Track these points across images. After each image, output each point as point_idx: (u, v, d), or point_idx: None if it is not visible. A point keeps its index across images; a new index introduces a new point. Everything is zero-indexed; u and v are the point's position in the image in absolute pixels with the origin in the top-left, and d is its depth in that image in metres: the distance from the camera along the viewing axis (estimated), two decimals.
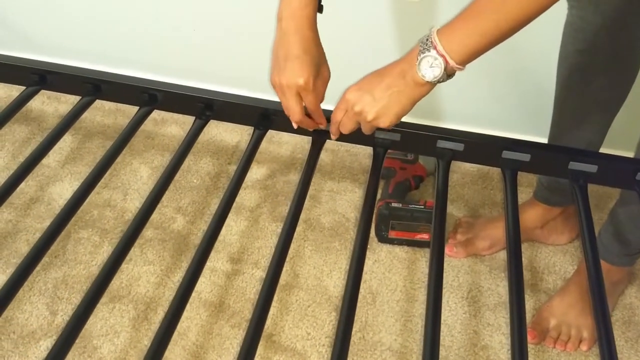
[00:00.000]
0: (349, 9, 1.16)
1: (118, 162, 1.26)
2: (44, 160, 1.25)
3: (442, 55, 0.66)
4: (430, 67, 0.68)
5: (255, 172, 1.26)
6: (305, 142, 1.35)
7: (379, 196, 1.20)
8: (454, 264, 1.09)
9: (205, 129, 1.39)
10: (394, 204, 1.08)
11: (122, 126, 1.36)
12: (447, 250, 1.09)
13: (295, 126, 0.82)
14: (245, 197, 1.21)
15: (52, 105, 1.39)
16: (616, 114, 0.95)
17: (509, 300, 0.69)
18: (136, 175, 1.24)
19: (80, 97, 0.90)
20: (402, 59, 0.72)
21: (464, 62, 0.67)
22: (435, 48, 0.67)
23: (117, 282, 1.03)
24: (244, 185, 1.24)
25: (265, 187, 1.23)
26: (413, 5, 1.15)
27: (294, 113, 0.77)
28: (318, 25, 0.75)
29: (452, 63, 0.67)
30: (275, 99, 0.87)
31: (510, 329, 0.65)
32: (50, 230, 0.73)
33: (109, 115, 1.38)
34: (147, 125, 1.35)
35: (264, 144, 1.33)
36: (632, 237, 0.94)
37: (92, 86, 0.90)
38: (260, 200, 1.20)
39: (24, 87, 0.92)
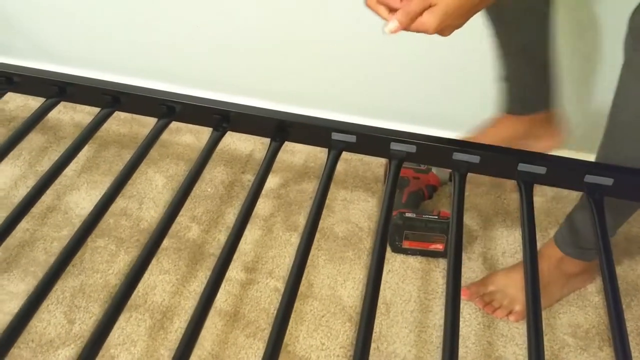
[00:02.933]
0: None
1: (134, 172, 1.27)
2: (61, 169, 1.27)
3: None
4: None
5: (269, 181, 1.27)
6: (317, 151, 1.36)
7: None
8: (468, 275, 1.09)
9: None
10: (408, 214, 1.09)
11: (137, 135, 1.38)
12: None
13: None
14: (259, 206, 1.21)
15: (67, 114, 1.41)
16: None
17: (526, 310, 0.69)
18: (151, 184, 1.25)
19: (100, 109, 0.91)
20: None
21: None
22: None
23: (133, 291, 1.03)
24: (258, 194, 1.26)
25: (279, 196, 1.24)
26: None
27: None
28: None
29: None
30: (292, 109, 0.88)
31: (527, 340, 0.66)
32: (72, 242, 0.74)
33: (124, 124, 1.39)
34: (163, 134, 1.36)
35: (278, 153, 1.35)
36: (592, 237, 0.94)
37: (111, 98, 0.92)
38: (273, 209, 1.21)
39: (42, 98, 0.94)
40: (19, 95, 1.39)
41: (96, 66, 1.37)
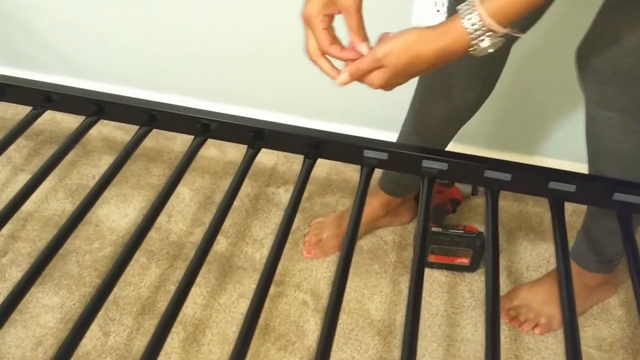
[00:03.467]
0: None
1: (161, 185, 1.29)
2: (90, 182, 1.29)
3: (487, 25, 0.61)
4: (480, 41, 0.63)
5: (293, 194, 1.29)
6: (339, 164, 1.38)
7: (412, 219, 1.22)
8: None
9: (242, 150, 1.44)
10: (434, 228, 1.10)
11: (163, 148, 1.40)
12: (305, 253, 1.16)
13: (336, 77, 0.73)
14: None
15: (95, 128, 1.43)
16: None
17: (563, 323, 0.70)
18: (178, 197, 1.27)
19: (138, 127, 0.93)
20: (440, 36, 0.64)
21: (509, 25, 0.62)
22: (479, 15, 0.61)
23: (166, 303, 1.05)
24: (283, 207, 1.28)
25: (303, 209, 1.26)
26: None
27: (322, 42, 0.70)
28: None
29: (500, 29, 0.62)
30: (326, 127, 0.90)
31: (565, 354, 0.67)
32: (118, 261, 0.76)
33: (150, 137, 1.41)
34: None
35: (297, 166, 1.38)
36: (608, 250, 0.97)
37: (148, 116, 0.94)
38: (298, 222, 1.23)
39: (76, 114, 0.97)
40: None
41: (130, 82, 1.40)
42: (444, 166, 0.89)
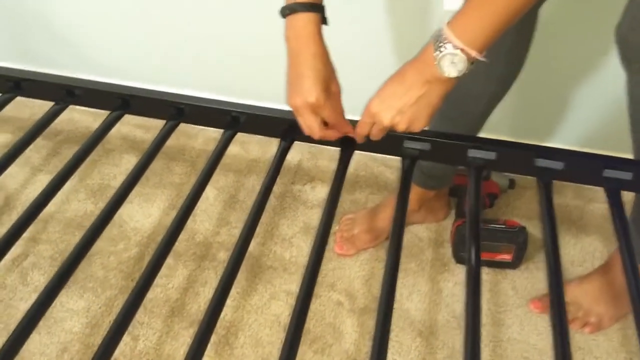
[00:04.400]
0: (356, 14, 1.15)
1: (184, 184, 1.25)
2: (111, 182, 1.25)
3: (460, 49, 0.64)
4: (452, 64, 0.66)
5: (320, 191, 1.24)
6: (367, 159, 1.33)
7: (452, 216, 1.17)
8: (538, 286, 1.05)
9: (265, 147, 1.40)
10: None
11: (184, 146, 1.36)
12: (337, 250, 1.11)
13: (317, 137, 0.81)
14: (313, 216, 1.19)
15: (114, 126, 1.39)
16: None
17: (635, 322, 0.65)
18: (203, 196, 1.22)
19: (165, 122, 0.89)
20: (417, 60, 0.69)
21: (484, 49, 0.65)
22: (451, 42, 0.64)
23: (195, 305, 1.01)
24: (310, 205, 1.23)
25: None
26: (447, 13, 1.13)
27: (314, 130, 0.77)
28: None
29: (472, 54, 0.64)
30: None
31: None
32: (149, 266, 0.72)
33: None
34: (210, 145, 1.35)
35: (324, 162, 1.33)
36: None
37: (176, 110, 0.90)
38: None
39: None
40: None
41: (153, 80, 1.36)
42: (491, 155, 0.84)
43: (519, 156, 0.83)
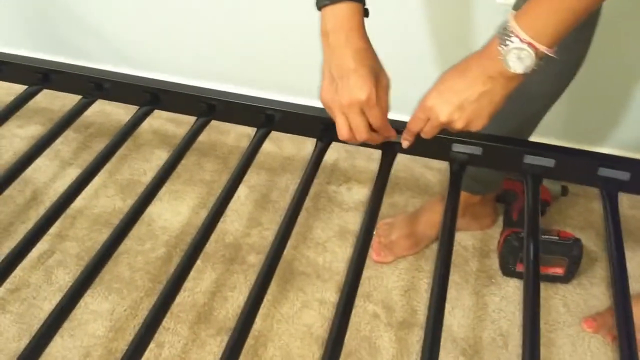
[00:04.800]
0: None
1: (215, 182, 1.20)
2: (141, 178, 1.21)
3: (528, 43, 0.59)
4: (518, 60, 0.61)
5: (357, 192, 1.18)
6: (407, 159, 1.26)
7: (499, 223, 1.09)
8: (592, 303, 0.96)
9: (300, 145, 1.34)
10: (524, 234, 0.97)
11: (216, 142, 1.31)
12: (374, 257, 1.03)
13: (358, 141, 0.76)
14: (349, 220, 1.12)
15: (145, 120, 1.35)
16: None
17: None
18: (233, 195, 1.18)
19: (196, 118, 0.84)
20: (481, 54, 0.64)
21: (553, 44, 0.60)
22: (517, 36, 0.59)
23: (223, 311, 0.96)
24: (346, 207, 1.17)
25: None
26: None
27: (361, 132, 0.71)
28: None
29: (541, 48, 0.59)
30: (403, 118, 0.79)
31: None
32: (178, 270, 0.67)
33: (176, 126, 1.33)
34: (243, 142, 1.29)
35: (362, 162, 1.26)
36: None
37: (207, 106, 0.84)
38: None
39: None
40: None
41: (185, 73, 1.31)
42: (549, 162, 0.76)
43: (581, 164, 0.75)
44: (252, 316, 0.64)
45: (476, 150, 0.78)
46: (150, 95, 0.86)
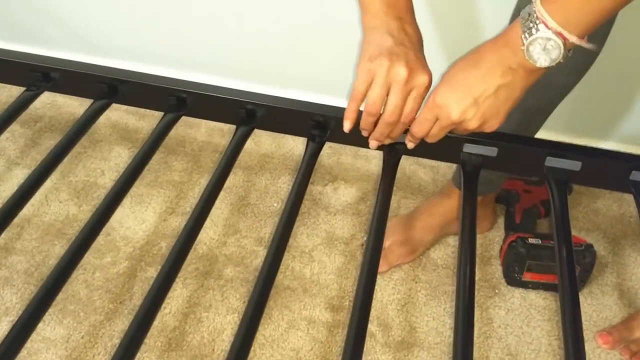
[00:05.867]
0: None
1: (185, 182, 1.07)
2: (98, 180, 1.07)
3: (557, 32, 0.51)
4: (544, 51, 0.53)
5: (344, 194, 1.07)
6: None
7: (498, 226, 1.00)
8: (605, 314, 0.88)
9: (280, 142, 1.21)
10: (532, 240, 0.88)
11: (184, 138, 1.17)
12: None
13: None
14: (337, 224, 1.01)
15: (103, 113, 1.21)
16: None
17: None
18: (214, 203, 1.05)
19: (163, 114, 0.71)
20: (498, 42, 0.56)
21: (585, 34, 0.52)
22: (545, 24, 0.51)
23: (197, 336, 0.84)
24: (332, 210, 1.05)
25: (359, 212, 1.03)
26: None
27: (407, 113, 0.63)
28: None
29: (572, 39, 0.52)
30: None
31: None
32: (158, 282, 0.55)
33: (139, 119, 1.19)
34: (215, 137, 1.16)
35: (348, 159, 1.15)
36: None
37: (176, 100, 0.72)
38: (354, 229, 1.01)
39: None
40: None
41: (150, 59, 1.17)
42: (575, 166, 0.67)
43: (610, 168, 0.66)
44: (246, 348, 0.52)
45: (490, 152, 0.67)
46: (106, 87, 0.72)
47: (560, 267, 0.58)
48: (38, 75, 0.75)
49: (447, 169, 1.11)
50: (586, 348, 0.84)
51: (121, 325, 0.85)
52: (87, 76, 0.72)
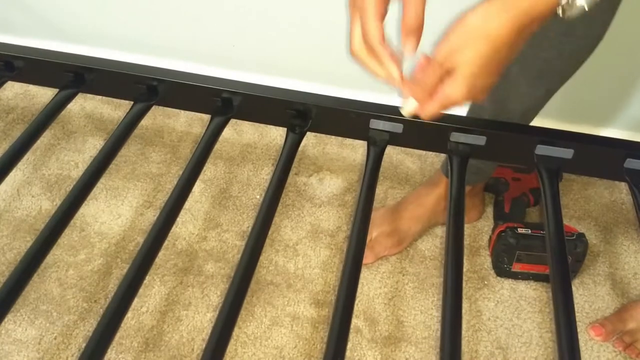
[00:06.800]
0: None
1: (163, 175, 1.03)
2: (72, 173, 1.03)
3: None
4: None
5: (329, 185, 1.03)
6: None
7: (484, 216, 0.97)
8: (597, 304, 0.86)
9: (263, 131, 1.17)
10: (521, 230, 0.86)
11: (162, 128, 1.13)
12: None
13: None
14: (322, 216, 0.98)
15: (77, 102, 1.16)
16: None
17: None
18: (188, 194, 1.01)
19: (133, 103, 0.67)
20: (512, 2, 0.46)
21: None
22: None
23: (176, 335, 0.81)
24: (318, 202, 1.02)
25: (344, 203, 1.00)
26: None
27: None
28: None
29: None
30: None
31: None
32: (128, 280, 0.52)
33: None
34: (195, 127, 1.12)
35: (333, 148, 1.12)
36: None
37: (147, 88, 0.67)
38: (339, 221, 0.97)
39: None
40: None
41: (120, 45, 1.12)
42: (567, 154, 0.64)
43: (605, 156, 0.63)
44: (222, 347, 0.49)
45: (478, 140, 0.64)
46: (72, 75, 0.68)
47: (552, 258, 0.55)
48: (1, 64, 0.71)
49: (434, 158, 1.08)
50: (581, 341, 0.82)
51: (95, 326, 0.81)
52: (52, 64, 0.68)
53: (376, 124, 0.65)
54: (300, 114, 0.67)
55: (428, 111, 0.53)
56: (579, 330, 0.83)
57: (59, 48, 0.74)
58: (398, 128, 0.65)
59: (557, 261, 0.54)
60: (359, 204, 0.59)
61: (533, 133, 0.64)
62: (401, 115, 0.63)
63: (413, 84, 0.53)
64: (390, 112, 0.64)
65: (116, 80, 0.67)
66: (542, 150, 0.63)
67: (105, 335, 0.48)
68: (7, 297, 0.52)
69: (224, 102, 0.68)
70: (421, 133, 0.63)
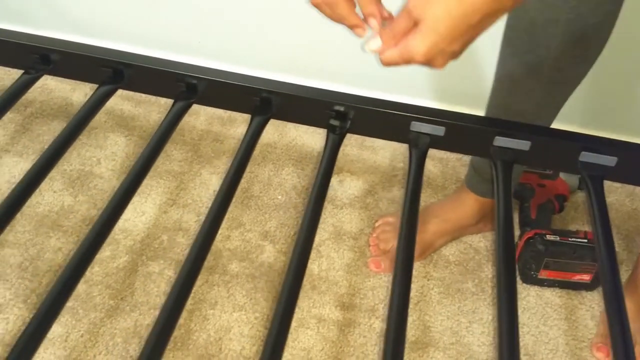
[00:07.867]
0: None
1: (185, 173, 1.03)
2: (94, 169, 1.02)
3: None
4: None
5: (350, 186, 1.03)
6: (405, 148, 1.12)
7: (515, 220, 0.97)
8: None
9: (282, 131, 1.17)
10: (550, 237, 0.86)
11: (182, 126, 1.10)
12: (372, 267, 0.90)
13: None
14: (344, 218, 0.98)
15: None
16: None
17: None
18: (208, 189, 1.01)
19: (173, 102, 0.67)
20: None
21: None
22: None
23: (204, 334, 0.80)
24: (339, 203, 1.02)
25: (367, 206, 1.00)
26: None
27: None
28: None
29: None
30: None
31: None
32: (176, 290, 0.51)
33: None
34: (214, 125, 1.12)
35: (356, 150, 1.11)
36: None
37: (186, 86, 0.67)
38: (362, 223, 0.97)
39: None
40: None
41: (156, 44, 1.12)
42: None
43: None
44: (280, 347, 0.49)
45: (522, 145, 0.64)
46: (111, 71, 0.67)
47: (602, 268, 0.55)
48: (37, 57, 0.70)
49: (456, 162, 1.08)
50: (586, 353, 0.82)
51: (123, 323, 0.81)
52: (90, 59, 0.67)
53: (417, 127, 0.65)
54: (339, 115, 0.67)
55: (386, 57, 0.51)
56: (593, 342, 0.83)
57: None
58: (440, 131, 0.64)
59: (608, 271, 0.54)
60: (404, 211, 0.59)
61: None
62: (444, 118, 0.64)
63: (390, 26, 0.51)
64: (432, 115, 0.64)
65: (157, 77, 0.67)
66: (586, 157, 0.63)
67: (161, 337, 0.48)
68: (51, 307, 0.51)
69: (263, 101, 0.67)
70: (463, 136, 0.63)
